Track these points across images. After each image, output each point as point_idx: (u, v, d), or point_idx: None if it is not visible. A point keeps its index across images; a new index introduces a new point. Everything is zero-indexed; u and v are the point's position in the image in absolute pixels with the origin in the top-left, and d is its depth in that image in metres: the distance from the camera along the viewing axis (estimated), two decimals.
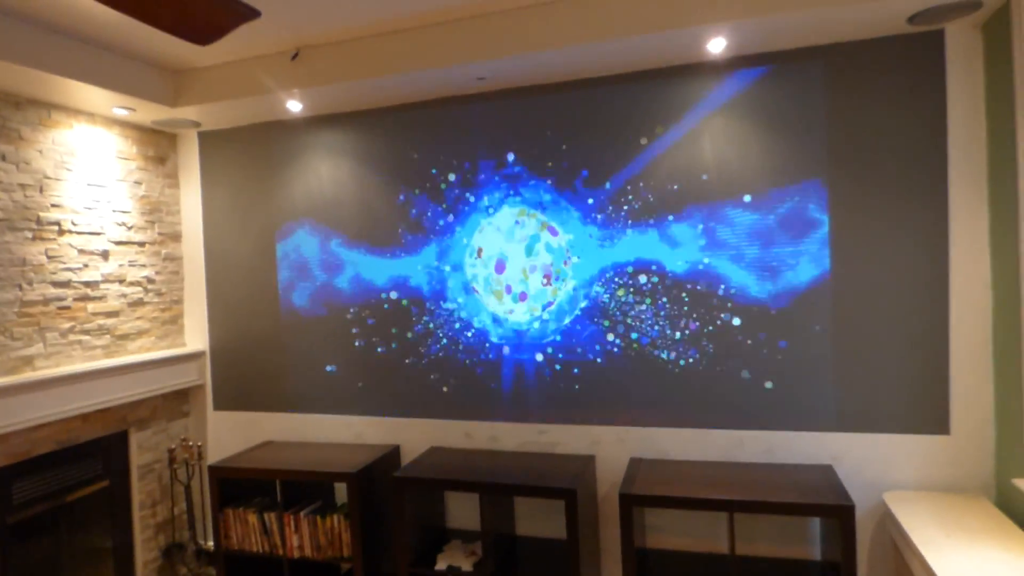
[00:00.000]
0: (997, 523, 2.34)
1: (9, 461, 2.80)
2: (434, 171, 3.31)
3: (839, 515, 2.36)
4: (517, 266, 3.20)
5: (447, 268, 3.33)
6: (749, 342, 2.86)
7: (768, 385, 2.84)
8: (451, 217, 3.31)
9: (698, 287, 2.92)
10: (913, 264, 2.67)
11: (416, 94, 3.22)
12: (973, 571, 2.00)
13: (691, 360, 2.94)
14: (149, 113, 3.33)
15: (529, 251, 3.18)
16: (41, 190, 3.00)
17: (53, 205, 3.06)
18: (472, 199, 3.26)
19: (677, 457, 2.99)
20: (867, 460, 2.75)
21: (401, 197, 3.37)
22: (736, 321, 2.87)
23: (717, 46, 2.71)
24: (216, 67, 3.21)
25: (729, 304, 2.88)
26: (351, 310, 3.49)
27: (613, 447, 3.09)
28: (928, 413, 2.68)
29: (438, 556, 2.97)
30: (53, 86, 2.84)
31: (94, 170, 3.27)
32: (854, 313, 2.74)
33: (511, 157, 3.18)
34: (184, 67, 3.22)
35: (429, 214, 3.34)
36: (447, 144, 3.28)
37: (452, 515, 3.36)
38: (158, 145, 3.68)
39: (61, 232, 3.09)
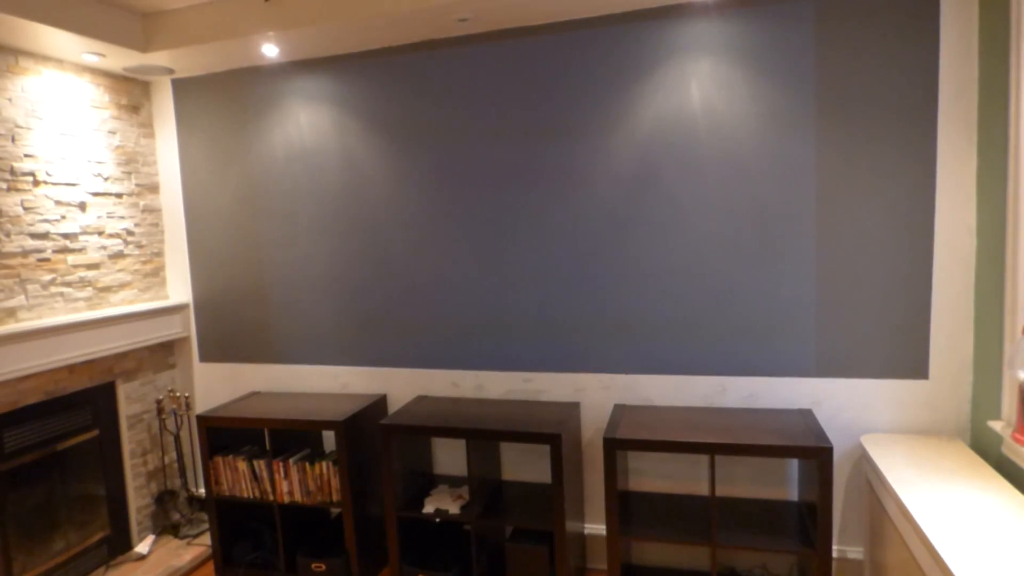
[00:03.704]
0: (971, 463, 2.38)
1: None
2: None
3: (817, 457, 2.41)
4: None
5: None
6: (729, 286, 2.86)
7: (750, 331, 2.86)
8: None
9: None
10: (898, 208, 2.64)
11: (396, 37, 3.11)
12: (945, 508, 2.05)
13: (675, 305, 2.95)
14: (120, 59, 3.21)
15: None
16: (13, 139, 2.92)
17: (26, 155, 2.98)
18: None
19: (661, 403, 3.03)
20: (846, 404, 2.79)
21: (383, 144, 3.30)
22: (713, 258, 2.87)
23: None
24: (187, 9, 3.08)
25: (707, 246, 2.87)
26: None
27: (598, 394, 3.12)
28: (908, 358, 2.70)
29: (425, 500, 3.04)
30: (19, 30, 2.73)
31: (66, 119, 3.19)
32: (837, 257, 2.72)
33: (493, 104, 3.10)
34: (154, 10, 3.10)
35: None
36: (430, 90, 3.19)
37: (439, 461, 3.41)
38: (131, 93, 3.57)
39: (36, 183, 3.03)
